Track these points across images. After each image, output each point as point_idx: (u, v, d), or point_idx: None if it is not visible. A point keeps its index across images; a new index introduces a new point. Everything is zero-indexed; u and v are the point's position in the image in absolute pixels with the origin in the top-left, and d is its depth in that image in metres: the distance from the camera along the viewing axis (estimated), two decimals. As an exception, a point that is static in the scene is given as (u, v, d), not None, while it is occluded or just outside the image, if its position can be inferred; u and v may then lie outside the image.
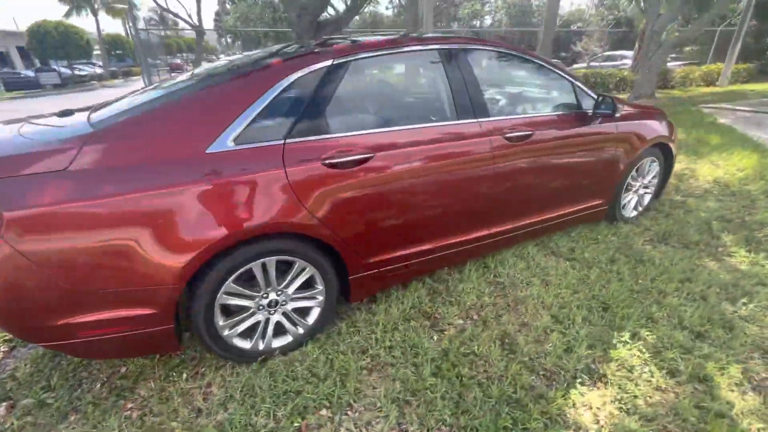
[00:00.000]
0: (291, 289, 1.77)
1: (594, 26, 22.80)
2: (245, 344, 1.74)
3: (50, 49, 19.29)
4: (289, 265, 1.71)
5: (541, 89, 2.60)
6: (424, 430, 1.48)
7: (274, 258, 1.64)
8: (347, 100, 1.80)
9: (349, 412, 1.57)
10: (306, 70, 1.67)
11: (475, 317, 2.07)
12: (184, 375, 1.73)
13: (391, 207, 1.86)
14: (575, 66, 18.62)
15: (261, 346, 1.78)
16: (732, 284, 2.26)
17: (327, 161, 1.64)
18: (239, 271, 1.57)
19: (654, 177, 3.07)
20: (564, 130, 2.35)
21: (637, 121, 2.73)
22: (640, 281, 2.30)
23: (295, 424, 1.51)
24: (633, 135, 2.67)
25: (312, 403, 1.58)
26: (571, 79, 2.44)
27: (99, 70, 25.67)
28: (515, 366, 1.72)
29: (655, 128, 2.83)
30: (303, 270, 1.75)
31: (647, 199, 3.16)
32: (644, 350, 1.81)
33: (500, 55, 2.29)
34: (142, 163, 1.39)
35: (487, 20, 39.41)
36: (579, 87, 2.46)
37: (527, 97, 2.65)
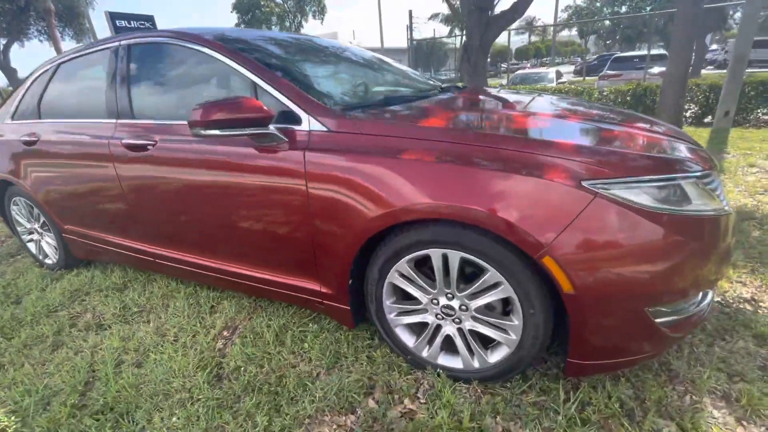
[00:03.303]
0: (32, 223, 2.60)
1: None
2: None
3: (421, 59, 26.08)
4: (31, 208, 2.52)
5: (209, 89, 1.73)
6: None
7: (16, 197, 2.52)
8: (47, 95, 2.25)
9: None
10: (41, 71, 2.30)
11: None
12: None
13: (51, 184, 2.22)
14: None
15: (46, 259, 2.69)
16: None
17: (21, 139, 2.25)
18: None
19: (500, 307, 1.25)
20: (203, 147, 1.57)
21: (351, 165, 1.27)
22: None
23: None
24: (342, 187, 1.29)
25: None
26: (262, 79, 1.46)
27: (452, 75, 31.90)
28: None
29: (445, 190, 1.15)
30: (31, 210, 2.52)
31: (502, 353, 1.32)
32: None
33: (171, 47, 1.77)
34: None
35: None
36: (277, 91, 1.44)
37: (185, 98, 1.76)
